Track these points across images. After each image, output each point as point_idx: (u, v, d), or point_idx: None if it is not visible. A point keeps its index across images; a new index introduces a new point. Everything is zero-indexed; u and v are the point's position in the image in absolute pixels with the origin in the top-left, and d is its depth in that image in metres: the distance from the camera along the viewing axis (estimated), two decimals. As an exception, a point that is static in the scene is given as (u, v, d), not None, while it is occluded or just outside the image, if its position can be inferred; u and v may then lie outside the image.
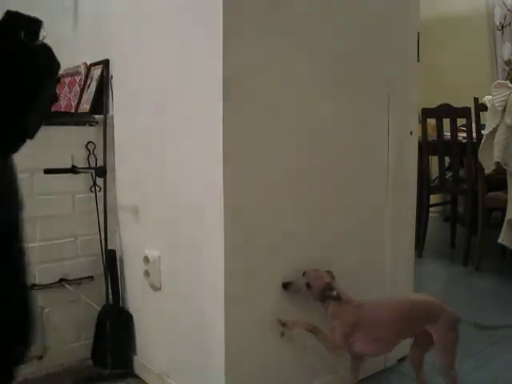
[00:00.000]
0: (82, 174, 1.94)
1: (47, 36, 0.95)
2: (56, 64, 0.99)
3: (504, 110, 2.95)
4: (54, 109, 2.42)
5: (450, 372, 1.54)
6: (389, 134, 1.87)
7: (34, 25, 0.93)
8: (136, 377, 1.94)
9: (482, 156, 3.12)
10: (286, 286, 1.57)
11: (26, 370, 1.87)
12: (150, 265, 1.80)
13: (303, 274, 1.57)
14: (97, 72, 2.15)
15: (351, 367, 1.64)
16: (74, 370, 1.96)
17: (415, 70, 1.96)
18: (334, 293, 1.52)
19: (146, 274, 1.82)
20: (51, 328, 1.92)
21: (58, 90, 2.47)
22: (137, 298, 1.96)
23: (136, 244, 1.92)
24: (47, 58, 0.97)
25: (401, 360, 2.00)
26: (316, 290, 1.54)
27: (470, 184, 3.37)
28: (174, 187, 1.70)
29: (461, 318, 1.57)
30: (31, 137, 0.98)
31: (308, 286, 1.54)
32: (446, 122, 3.46)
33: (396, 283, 1.95)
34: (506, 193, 3.05)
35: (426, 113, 3.57)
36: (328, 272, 1.58)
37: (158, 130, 1.75)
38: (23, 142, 0.97)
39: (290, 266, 1.60)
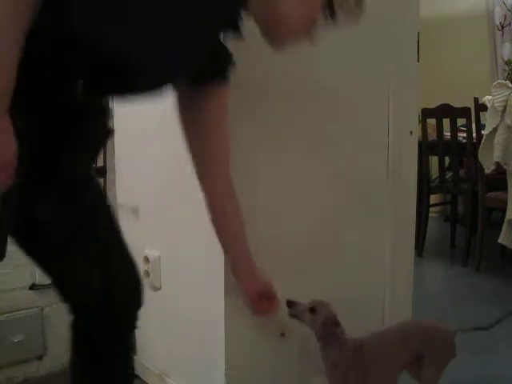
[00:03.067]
0: (82, 174, 1.94)
1: None
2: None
3: (504, 110, 2.95)
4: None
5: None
6: (389, 134, 1.87)
7: None
8: (136, 377, 1.93)
9: (481, 156, 3.12)
10: (289, 304, 1.44)
11: (25, 370, 1.88)
12: (149, 265, 1.80)
13: (311, 301, 1.45)
14: (97, 72, 2.15)
15: None
16: (74, 370, 1.96)
17: (415, 70, 1.96)
18: (338, 330, 1.40)
19: (146, 274, 1.82)
20: (51, 328, 1.92)
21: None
22: (137, 298, 1.96)
23: (136, 244, 1.90)
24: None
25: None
26: (321, 318, 1.40)
27: (470, 184, 3.37)
28: (173, 187, 1.70)
29: (455, 331, 1.55)
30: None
31: (313, 310, 1.41)
32: (446, 121, 3.46)
33: (396, 283, 1.95)
34: (506, 193, 3.05)
35: (425, 113, 3.57)
36: None
37: (158, 129, 1.75)
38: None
39: (291, 266, 1.60)
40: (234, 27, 1.05)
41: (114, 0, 0.85)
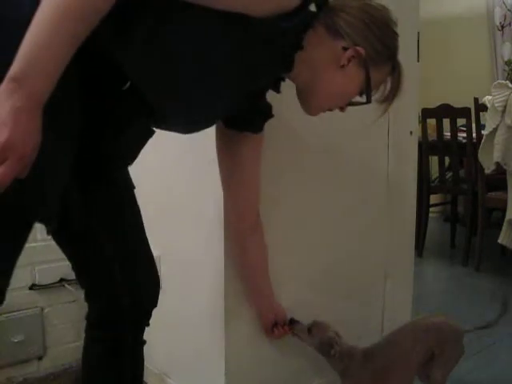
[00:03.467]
0: (82, 174, 1.94)
1: None
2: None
3: (504, 110, 2.95)
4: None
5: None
6: (389, 134, 1.87)
7: None
8: (136, 377, 1.94)
9: (481, 156, 3.12)
10: (291, 322, 1.49)
11: (25, 370, 1.88)
12: (149, 265, 1.80)
13: (311, 322, 1.49)
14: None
15: None
16: (73, 370, 1.96)
17: (415, 70, 1.96)
18: (332, 352, 1.44)
19: (146, 274, 1.82)
20: (51, 328, 1.92)
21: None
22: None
23: (136, 244, 1.92)
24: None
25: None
26: (317, 338, 1.46)
27: (470, 184, 3.37)
28: (173, 187, 1.70)
29: (464, 330, 1.54)
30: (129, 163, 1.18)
31: (309, 331, 1.47)
32: (446, 121, 3.46)
33: (396, 283, 1.95)
34: (506, 193, 3.05)
35: (425, 113, 3.57)
36: (336, 334, 1.48)
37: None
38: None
39: (291, 265, 1.60)
40: (276, 88, 1.11)
41: (179, 81, 0.90)
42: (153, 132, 1.12)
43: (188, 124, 1.06)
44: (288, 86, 1.11)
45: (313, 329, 1.46)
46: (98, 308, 1.18)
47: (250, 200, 1.31)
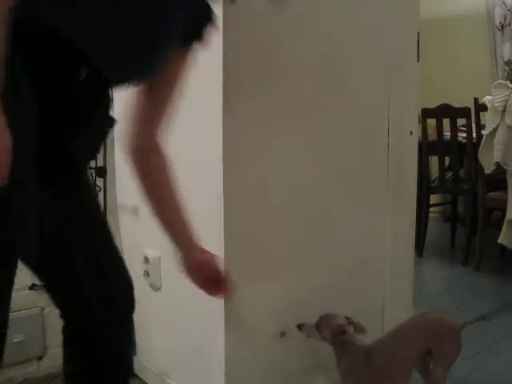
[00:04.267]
0: (82, 174, 1.94)
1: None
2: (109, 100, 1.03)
3: (504, 110, 2.95)
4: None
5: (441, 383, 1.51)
6: (389, 134, 1.87)
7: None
8: (136, 377, 1.93)
9: (481, 156, 3.12)
10: (299, 327, 1.52)
11: (25, 370, 1.88)
12: (149, 265, 1.80)
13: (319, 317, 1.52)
14: (97, 72, 2.15)
15: None
16: (73, 370, 1.96)
17: (415, 70, 1.96)
18: (348, 336, 1.46)
19: (146, 274, 1.82)
20: (51, 328, 1.92)
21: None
22: (137, 298, 1.95)
23: (136, 244, 1.92)
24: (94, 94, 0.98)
25: (401, 360, 1.99)
26: (326, 331, 1.48)
27: (470, 184, 3.37)
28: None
29: (463, 326, 1.54)
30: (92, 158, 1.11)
31: (317, 327, 1.50)
32: (446, 121, 3.46)
33: (396, 283, 1.95)
34: (506, 193, 3.05)
35: (425, 113, 3.57)
36: (347, 318, 1.51)
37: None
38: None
39: (291, 265, 1.60)
40: None
41: None
42: (114, 122, 1.06)
43: (140, 67, 1.00)
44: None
45: (320, 324, 1.48)
46: (75, 322, 1.12)
47: (156, 115, 1.17)
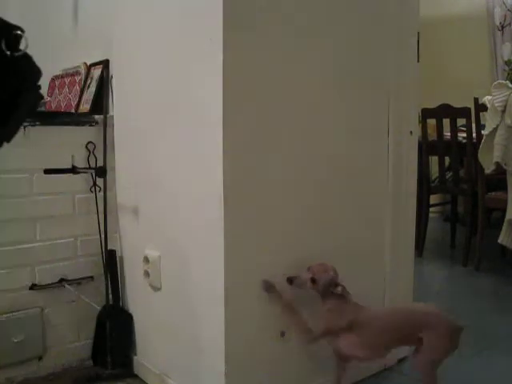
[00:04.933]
0: (82, 174, 1.94)
1: (29, 45, 0.91)
2: (37, 74, 0.96)
3: (504, 110, 2.95)
4: (54, 109, 2.43)
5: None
6: (389, 134, 1.88)
7: (15, 33, 0.88)
8: (136, 377, 1.94)
9: (481, 156, 3.12)
10: (290, 280, 1.53)
11: (25, 370, 1.88)
12: (149, 265, 1.80)
13: (308, 269, 1.54)
14: (97, 72, 2.15)
15: (336, 370, 1.63)
16: (73, 370, 1.96)
17: (415, 70, 1.96)
18: (339, 289, 1.50)
19: (146, 274, 1.82)
20: (51, 328, 1.92)
21: (48, 93, 2.47)
22: (137, 298, 1.96)
23: (136, 244, 1.92)
24: (28, 68, 0.93)
25: (401, 360, 2.00)
26: (321, 285, 1.51)
27: (470, 184, 3.37)
28: (173, 187, 1.70)
29: (462, 327, 1.53)
30: (8, 141, 0.97)
31: (313, 280, 1.52)
32: (446, 122, 3.46)
33: (396, 283, 1.95)
34: (506, 193, 3.05)
35: (426, 113, 3.57)
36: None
37: (158, 129, 1.75)
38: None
39: (291, 264, 1.60)
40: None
41: None
42: (42, 97, 1.02)
43: None
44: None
45: (314, 276, 1.51)
46: None
47: None
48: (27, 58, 0.93)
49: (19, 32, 0.89)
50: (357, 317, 1.52)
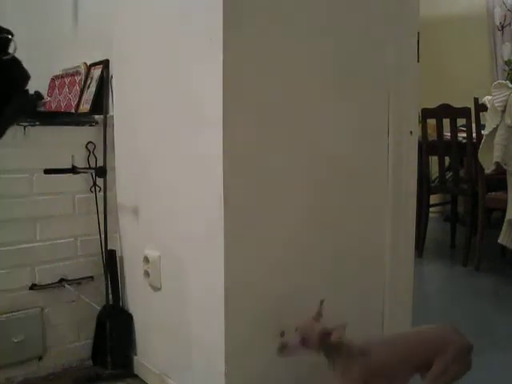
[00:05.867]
0: (82, 174, 1.94)
1: (18, 48, 0.91)
2: (24, 77, 0.96)
3: (504, 111, 2.95)
4: (54, 109, 2.43)
5: None
6: (389, 134, 1.87)
7: (4, 37, 0.88)
8: (136, 377, 1.94)
9: (481, 156, 3.12)
10: (280, 349, 1.37)
11: (25, 370, 1.88)
12: (149, 265, 1.80)
13: (296, 330, 1.38)
14: (97, 72, 2.15)
15: None
16: (73, 370, 1.96)
17: (415, 70, 1.96)
18: (333, 338, 1.35)
19: (146, 274, 1.83)
20: (51, 328, 1.92)
21: (48, 93, 2.47)
22: (137, 298, 1.96)
23: (136, 244, 1.92)
24: (17, 71, 0.93)
25: None
26: (313, 343, 1.37)
27: (470, 184, 3.37)
28: (173, 187, 1.70)
29: (472, 345, 1.47)
30: None
31: (303, 342, 1.37)
32: (446, 122, 3.46)
33: (396, 283, 1.94)
34: (506, 193, 3.05)
35: (426, 113, 3.57)
36: (318, 313, 1.40)
37: (158, 129, 1.76)
38: None
39: (291, 265, 1.60)
40: None
41: None
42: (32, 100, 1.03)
43: None
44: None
45: (305, 336, 1.36)
46: None
47: None
48: (16, 61, 0.93)
49: (8, 35, 0.89)
50: (369, 367, 1.39)
